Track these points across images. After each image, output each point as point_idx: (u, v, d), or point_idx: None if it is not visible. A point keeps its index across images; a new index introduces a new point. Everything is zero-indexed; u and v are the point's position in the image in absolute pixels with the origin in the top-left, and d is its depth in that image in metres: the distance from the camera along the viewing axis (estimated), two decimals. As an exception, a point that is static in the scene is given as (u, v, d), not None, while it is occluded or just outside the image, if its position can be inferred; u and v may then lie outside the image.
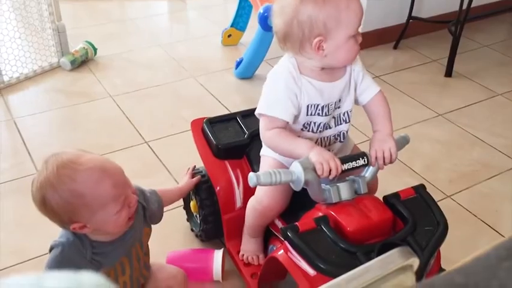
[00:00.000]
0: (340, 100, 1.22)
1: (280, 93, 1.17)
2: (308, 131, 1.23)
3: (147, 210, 1.19)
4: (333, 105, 1.21)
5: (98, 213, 1.00)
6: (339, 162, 1.09)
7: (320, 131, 1.23)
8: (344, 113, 1.24)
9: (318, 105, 1.19)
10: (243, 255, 1.42)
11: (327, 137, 1.25)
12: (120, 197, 1.03)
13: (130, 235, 1.12)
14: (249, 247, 1.41)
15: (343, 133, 1.27)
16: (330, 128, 1.25)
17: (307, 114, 1.20)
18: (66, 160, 1.00)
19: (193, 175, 1.48)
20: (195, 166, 1.52)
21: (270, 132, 1.18)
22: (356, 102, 1.26)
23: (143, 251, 1.20)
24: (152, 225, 1.24)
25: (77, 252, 1.05)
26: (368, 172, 1.18)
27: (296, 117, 1.20)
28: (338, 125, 1.25)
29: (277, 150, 1.22)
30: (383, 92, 1.26)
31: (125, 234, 1.10)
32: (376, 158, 1.17)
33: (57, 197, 0.98)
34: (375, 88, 1.25)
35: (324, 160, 1.07)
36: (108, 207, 1.01)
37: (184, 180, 1.47)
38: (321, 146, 1.24)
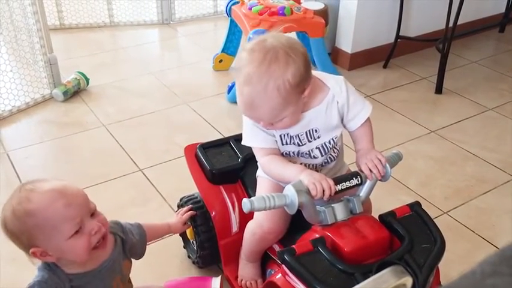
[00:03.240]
0: (316, 130, 1.21)
1: (251, 126, 1.21)
2: (290, 156, 1.24)
3: (126, 242, 1.16)
4: (305, 135, 1.21)
5: (52, 236, 0.99)
6: (331, 182, 1.09)
7: (303, 157, 1.23)
8: (329, 140, 1.23)
9: (289, 135, 1.20)
10: (241, 280, 1.41)
11: (313, 164, 1.26)
12: (73, 219, 0.99)
13: (107, 267, 1.09)
14: (246, 272, 1.40)
15: (330, 157, 1.27)
16: (315, 158, 1.24)
17: (282, 144, 1.22)
18: (30, 183, 1.01)
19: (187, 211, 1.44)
20: (191, 207, 1.46)
21: (264, 159, 1.21)
22: (344, 127, 1.26)
23: (125, 284, 1.18)
24: (148, 253, 1.23)
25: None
26: (362, 191, 1.18)
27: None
28: (325, 154, 1.24)
29: (270, 175, 1.24)
30: (369, 119, 1.26)
31: (101, 265, 1.08)
32: (370, 170, 1.16)
33: (14, 218, 0.98)
34: (365, 114, 1.23)
35: (316, 181, 1.08)
36: (60, 229, 0.98)
37: (175, 218, 1.43)
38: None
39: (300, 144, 1.21)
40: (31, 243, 1.00)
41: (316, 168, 1.26)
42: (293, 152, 1.23)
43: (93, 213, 1.04)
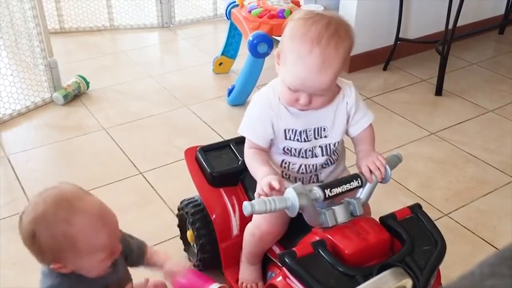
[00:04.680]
0: (324, 129, 1.22)
1: (254, 118, 1.21)
2: (290, 155, 1.23)
3: (128, 256, 1.15)
4: (312, 132, 1.21)
5: (84, 258, 0.97)
6: (275, 182, 1.08)
7: (303, 157, 1.23)
8: (335, 143, 1.23)
9: (296, 131, 1.20)
10: (242, 283, 1.41)
11: (313, 165, 1.25)
12: (109, 247, 1.00)
13: (112, 279, 1.09)
14: (247, 275, 1.40)
15: (330, 160, 1.27)
16: (316, 156, 1.24)
17: (285, 139, 1.21)
18: (65, 200, 0.97)
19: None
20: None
21: (248, 150, 1.22)
22: (346, 132, 1.26)
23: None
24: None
25: None
26: (363, 193, 1.18)
27: (275, 140, 1.22)
28: (326, 154, 1.24)
29: (247, 166, 1.24)
30: (372, 126, 1.26)
31: (106, 276, 1.06)
32: (370, 171, 1.16)
33: (49, 236, 0.94)
34: (366, 122, 1.24)
35: (263, 184, 1.09)
36: (96, 255, 0.98)
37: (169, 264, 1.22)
38: (308, 171, 1.25)
39: (306, 140, 1.21)
40: (56, 259, 0.97)
41: (316, 170, 1.26)
42: (295, 149, 1.22)
43: None
